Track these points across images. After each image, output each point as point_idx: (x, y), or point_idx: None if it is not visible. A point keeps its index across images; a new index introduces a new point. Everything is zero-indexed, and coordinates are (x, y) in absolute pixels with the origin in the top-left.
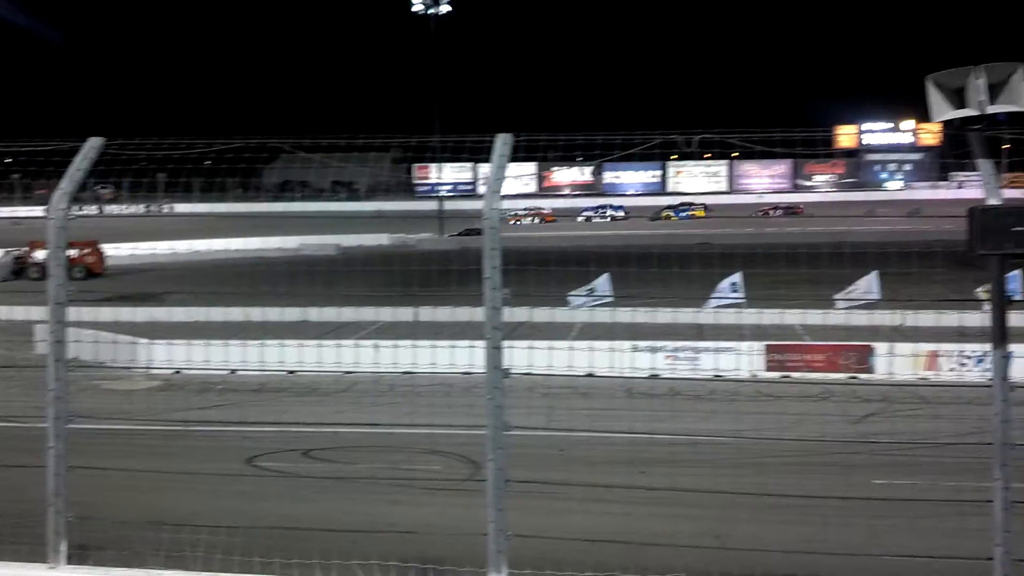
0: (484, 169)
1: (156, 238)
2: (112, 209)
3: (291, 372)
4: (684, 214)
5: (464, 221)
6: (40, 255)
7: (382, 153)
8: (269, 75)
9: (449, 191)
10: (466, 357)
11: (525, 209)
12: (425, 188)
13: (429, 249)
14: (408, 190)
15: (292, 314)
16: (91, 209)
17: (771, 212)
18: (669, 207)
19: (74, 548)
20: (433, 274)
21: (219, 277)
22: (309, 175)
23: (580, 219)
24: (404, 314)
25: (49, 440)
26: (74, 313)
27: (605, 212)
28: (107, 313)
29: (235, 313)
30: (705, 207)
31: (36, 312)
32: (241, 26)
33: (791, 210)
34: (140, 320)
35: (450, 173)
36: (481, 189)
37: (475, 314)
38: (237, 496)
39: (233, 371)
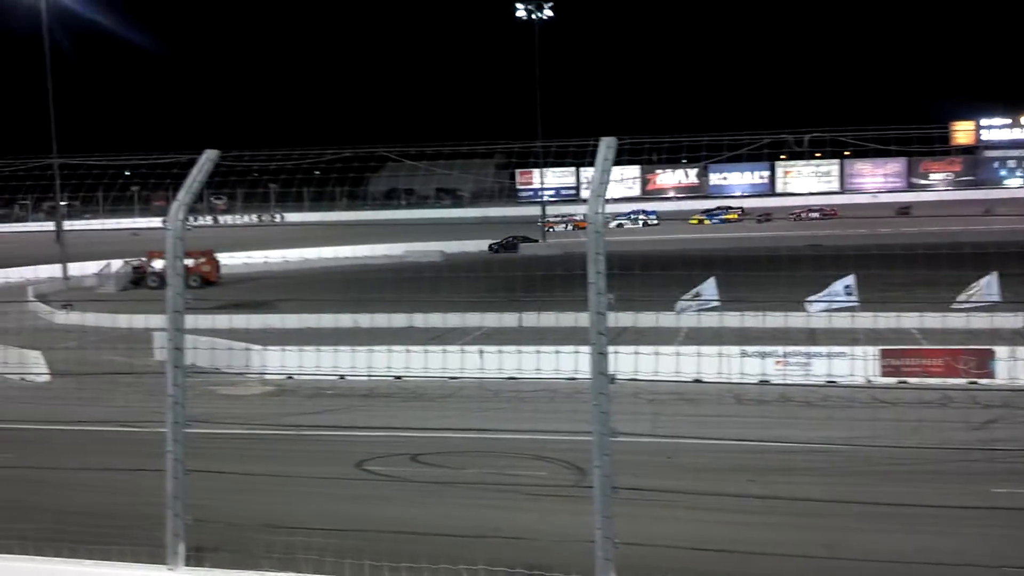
0: (587, 173)
1: (268, 247)
2: (226, 219)
3: (398, 377)
4: (717, 218)
5: (505, 229)
6: (158, 265)
7: (485, 160)
8: (376, 84)
9: (552, 196)
10: (571, 362)
11: (558, 216)
12: (528, 193)
13: (532, 254)
14: (511, 195)
15: (399, 320)
16: (206, 220)
17: (803, 215)
18: (706, 211)
19: (191, 550)
20: (537, 279)
21: (329, 284)
22: (414, 183)
23: (613, 224)
24: (509, 320)
25: (168, 444)
26: (191, 321)
27: (638, 217)
28: (222, 321)
29: (344, 319)
30: (743, 210)
31: (155, 320)
32: (350, 36)
33: (826, 214)
34: (254, 327)
35: (552, 178)
36: (584, 193)
37: (580, 319)
38: (347, 500)
39: (342, 376)
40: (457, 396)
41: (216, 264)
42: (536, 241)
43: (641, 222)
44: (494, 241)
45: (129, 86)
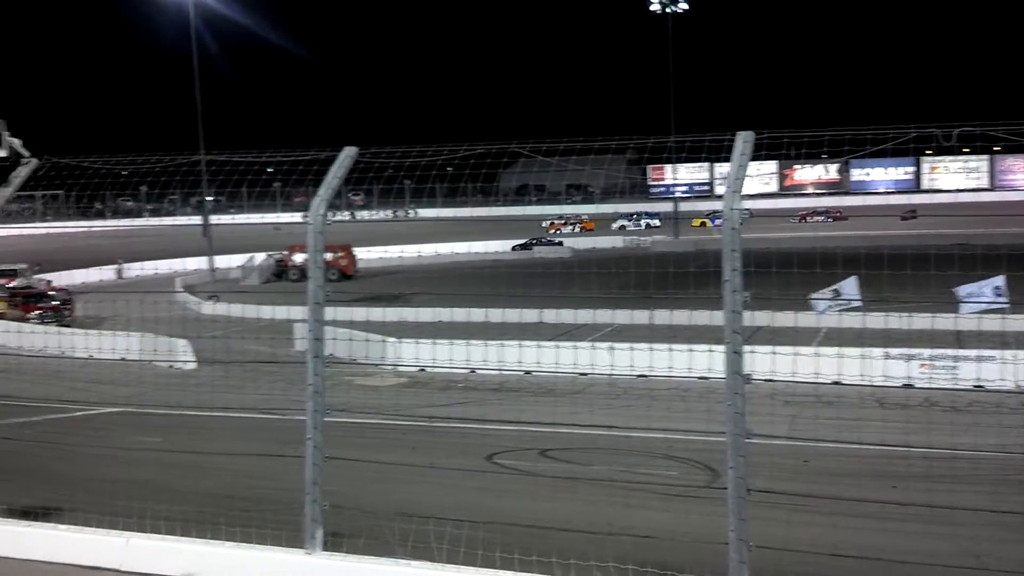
0: (721, 169)
1: (403, 242)
2: (363, 215)
3: (528, 372)
4: (719, 221)
5: (532, 230)
6: (299, 258)
7: (617, 155)
8: (509, 79)
9: (684, 192)
10: (704, 361)
11: (561, 217)
12: (660, 189)
13: (664, 251)
14: (643, 191)
15: (529, 316)
16: (344, 215)
17: (808, 217)
18: (711, 213)
19: (328, 535)
20: (670, 276)
21: (461, 279)
22: (545, 179)
23: (614, 227)
24: (640, 317)
25: (308, 431)
26: (330, 312)
27: (640, 220)
28: (360, 313)
29: (476, 314)
30: (750, 212)
31: (296, 311)
32: (484, 33)
33: (833, 215)
34: (389, 320)
35: (685, 173)
36: (718, 189)
37: (714, 317)
38: (478, 492)
39: (473, 370)
40: (587, 392)
41: (353, 258)
42: (560, 244)
43: (644, 224)
44: (521, 242)
45: (272, 85)
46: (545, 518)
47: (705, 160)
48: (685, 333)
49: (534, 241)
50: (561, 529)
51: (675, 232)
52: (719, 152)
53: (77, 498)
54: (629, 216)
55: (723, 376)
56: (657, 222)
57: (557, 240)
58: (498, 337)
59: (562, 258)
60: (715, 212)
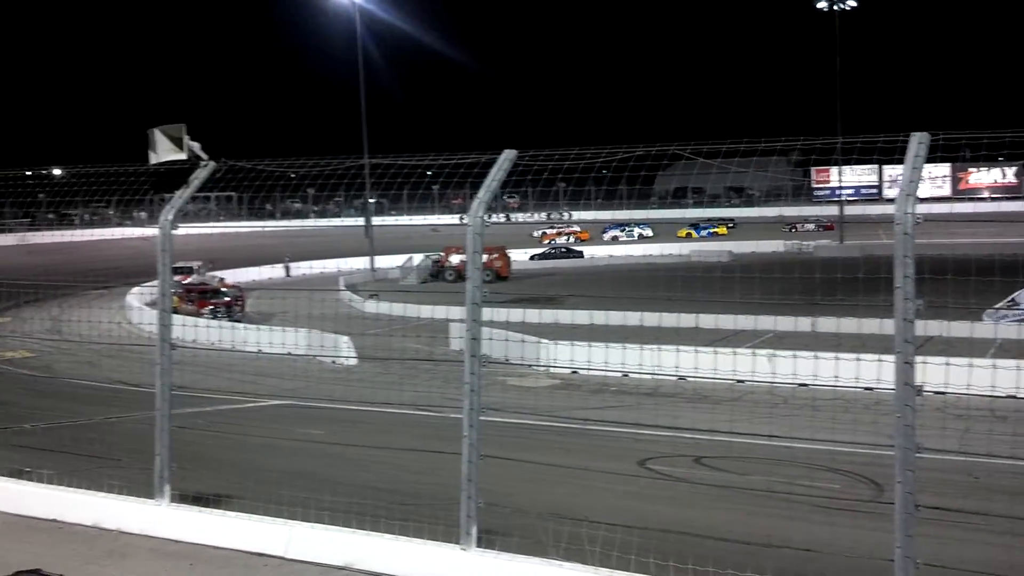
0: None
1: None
2: (517, 217)
3: (682, 378)
4: (705, 231)
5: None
6: (454, 259)
7: (781, 157)
8: (669, 79)
9: (851, 195)
10: (872, 372)
11: (554, 226)
12: (824, 192)
13: (829, 256)
14: (806, 194)
15: (687, 320)
16: (500, 217)
17: (798, 227)
18: (692, 224)
19: (481, 532)
20: (837, 282)
21: (616, 282)
22: (702, 181)
23: (605, 237)
24: (803, 324)
25: (464, 429)
26: (486, 313)
27: (632, 231)
28: (515, 314)
29: (632, 317)
30: (732, 222)
31: (453, 311)
32: (643, 33)
33: (822, 226)
34: (544, 321)
35: (851, 175)
36: (888, 192)
37: (883, 326)
38: (631, 496)
39: (626, 374)
40: (745, 400)
41: (508, 260)
42: (580, 255)
43: (637, 235)
44: (540, 251)
45: (434, 91)
46: (700, 526)
47: (875, 162)
48: (851, 342)
49: (552, 251)
50: (717, 538)
51: (840, 237)
52: (892, 153)
53: (245, 486)
54: (621, 227)
55: (892, 387)
56: (649, 231)
57: (577, 250)
58: (653, 341)
59: (721, 262)
60: (698, 222)
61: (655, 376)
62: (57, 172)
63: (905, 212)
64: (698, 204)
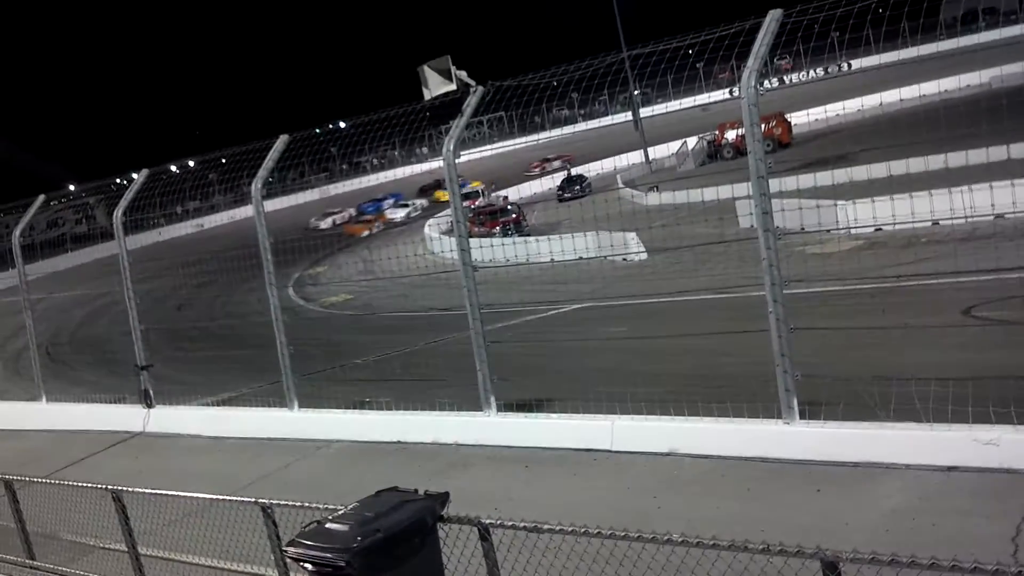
0: None
1: (840, 98)
2: (792, 78)
3: (1000, 216)
4: None
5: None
6: (730, 135)
7: None
8: None
9: None
10: None
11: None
12: None
13: None
14: None
15: (996, 153)
16: (773, 83)
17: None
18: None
19: (803, 404)
20: None
21: (912, 127)
22: (997, 1)
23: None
24: None
25: (768, 305)
26: (774, 184)
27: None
28: (805, 180)
29: (935, 161)
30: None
31: (738, 189)
32: None
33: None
34: (837, 182)
35: None
36: None
37: None
38: (959, 348)
39: (936, 222)
40: None
41: (787, 125)
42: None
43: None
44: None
45: None
46: None
47: None
48: None
49: (559, 192)
50: None
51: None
52: None
53: (562, 389)
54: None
55: None
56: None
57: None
58: (962, 182)
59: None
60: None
61: (968, 219)
62: (342, 124)
63: None
64: (991, 27)
